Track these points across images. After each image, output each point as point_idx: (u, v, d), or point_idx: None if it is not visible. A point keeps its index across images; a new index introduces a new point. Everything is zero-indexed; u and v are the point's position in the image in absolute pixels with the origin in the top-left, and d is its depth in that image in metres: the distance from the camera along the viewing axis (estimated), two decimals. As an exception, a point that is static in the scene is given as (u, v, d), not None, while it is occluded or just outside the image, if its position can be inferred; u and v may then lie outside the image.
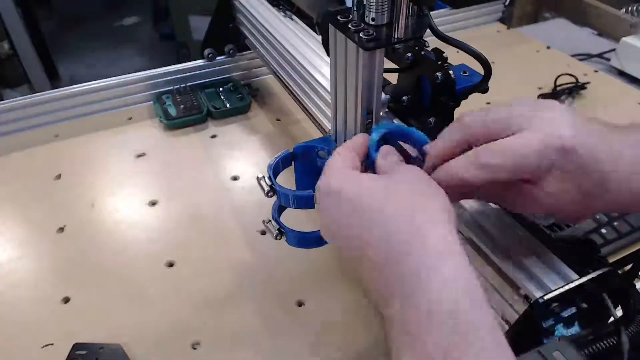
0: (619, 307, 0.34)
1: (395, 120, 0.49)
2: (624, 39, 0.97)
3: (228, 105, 0.86)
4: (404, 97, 0.46)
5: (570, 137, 0.31)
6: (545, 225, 0.40)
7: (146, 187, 0.72)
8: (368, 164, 0.39)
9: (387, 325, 0.29)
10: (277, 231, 0.46)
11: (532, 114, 0.33)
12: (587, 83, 0.91)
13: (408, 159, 0.40)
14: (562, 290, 0.33)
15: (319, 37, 0.47)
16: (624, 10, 1.04)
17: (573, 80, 0.90)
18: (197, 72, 0.90)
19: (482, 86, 0.41)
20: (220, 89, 0.90)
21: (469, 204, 0.42)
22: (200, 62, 0.91)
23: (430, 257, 0.29)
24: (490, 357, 0.26)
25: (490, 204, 0.42)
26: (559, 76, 0.90)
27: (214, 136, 0.82)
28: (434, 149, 0.37)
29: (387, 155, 0.38)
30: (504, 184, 0.33)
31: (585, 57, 1.03)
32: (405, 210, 0.31)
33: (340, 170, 0.36)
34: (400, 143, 0.43)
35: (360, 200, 0.33)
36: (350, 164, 0.37)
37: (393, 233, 0.30)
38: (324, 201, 0.35)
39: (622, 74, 0.98)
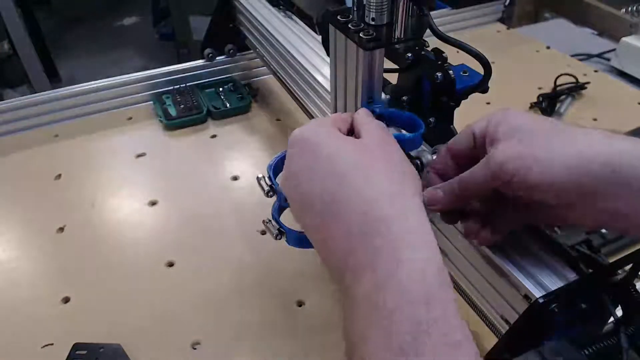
0: (619, 307, 0.34)
1: None
2: (624, 39, 0.97)
3: (228, 105, 0.86)
4: (404, 97, 0.46)
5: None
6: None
7: (146, 187, 0.72)
8: None
9: (349, 299, 0.29)
10: (277, 231, 0.46)
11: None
12: (587, 83, 0.91)
13: None
14: (562, 290, 0.33)
15: (319, 37, 0.47)
16: (624, 10, 1.04)
17: (573, 80, 0.90)
18: (197, 72, 0.90)
19: (482, 86, 0.41)
20: (220, 89, 0.90)
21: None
22: (200, 62, 0.91)
23: (409, 239, 0.28)
24: (455, 339, 0.26)
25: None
26: (559, 76, 0.90)
27: (214, 136, 0.82)
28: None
29: (362, 113, 0.38)
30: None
31: (585, 57, 1.03)
32: (387, 187, 0.31)
33: (317, 124, 0.35)
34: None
35: (336, 157, 0.32)
36: (331, 122, 0.36)
37: (373, 207, 0.29)
38: (291, 150, 0.34)
39: (622, 74, 0.98)
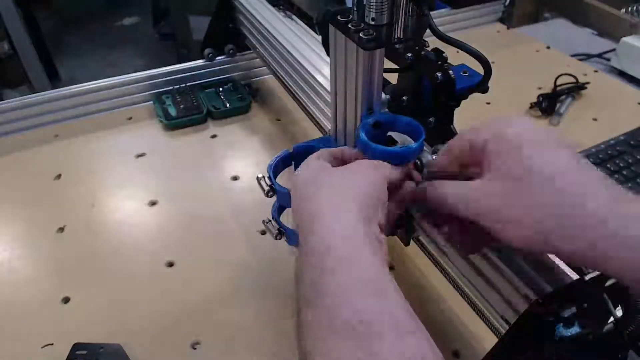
0: (619, 307, 0.34)
1: None
2: (624, 39, 0.97)
3: (228, 105, 0.86)
4: (404, 97, 0.46)
5: (507, 126, 0.32)
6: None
7: (146, 187, 0.72)
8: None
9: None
10: (277, 231, 0.46)
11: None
12: (587, 83, 0.91)
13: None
14: (562, 290, 0.33)
15: (319, 37, 0.47)
16: (624, 10, 1.04)
17: (573, 80, 0.90)
18: (197, 72, 0.90)
19: (482, 86, 0.41)
20: (220, 89, 0.90)
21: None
22: (200, 62, 0.91)
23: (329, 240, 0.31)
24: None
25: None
26: (559, 76, 0.90)
27: (214, 136, 0.82)
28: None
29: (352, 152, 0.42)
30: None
31: (585, 57, 1.03)
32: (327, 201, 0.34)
33: (308, 160, 0.40)
34: (393, 134, 0.43)
35: (300, 183, 0.37)
36: (318, 155, 0.40)
37: (311, 216, 0.34)
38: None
39: (622, 74, 0.98)
